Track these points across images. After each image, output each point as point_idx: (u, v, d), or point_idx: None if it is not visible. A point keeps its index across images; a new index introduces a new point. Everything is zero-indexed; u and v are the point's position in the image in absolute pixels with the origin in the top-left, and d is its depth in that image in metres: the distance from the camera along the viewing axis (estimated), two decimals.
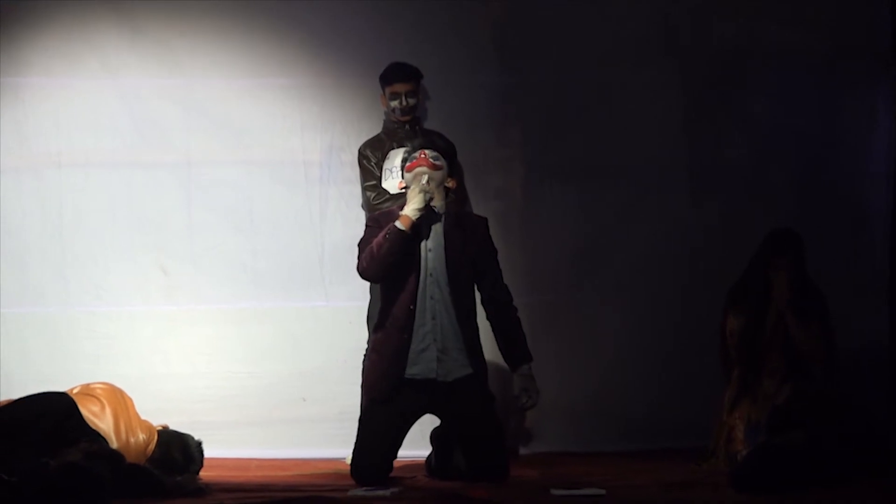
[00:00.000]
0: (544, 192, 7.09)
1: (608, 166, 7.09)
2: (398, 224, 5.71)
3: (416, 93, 6.68)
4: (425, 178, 5.79)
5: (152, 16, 6.92)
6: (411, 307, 5.75)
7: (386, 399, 5.74)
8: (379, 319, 5.90)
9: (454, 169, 6.26)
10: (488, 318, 5.94)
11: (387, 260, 5.70)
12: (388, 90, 6.67)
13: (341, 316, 6.89)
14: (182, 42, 6.95)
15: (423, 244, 5.81)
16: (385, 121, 6.76)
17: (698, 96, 7.14)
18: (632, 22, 7.12)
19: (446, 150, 5.96)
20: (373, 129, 6.85)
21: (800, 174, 7.13)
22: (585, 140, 7.09)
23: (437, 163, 5.85)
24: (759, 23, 7.14)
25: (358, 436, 5.80)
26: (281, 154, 6.99)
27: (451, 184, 5.92)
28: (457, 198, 6.63)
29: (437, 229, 5.85)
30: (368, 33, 6.99)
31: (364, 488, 5.41)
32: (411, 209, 5.74)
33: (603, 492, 5.28)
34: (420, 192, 5.76)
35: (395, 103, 6.65)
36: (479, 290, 5.92)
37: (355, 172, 6.89)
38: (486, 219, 6.01)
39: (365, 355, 6.44)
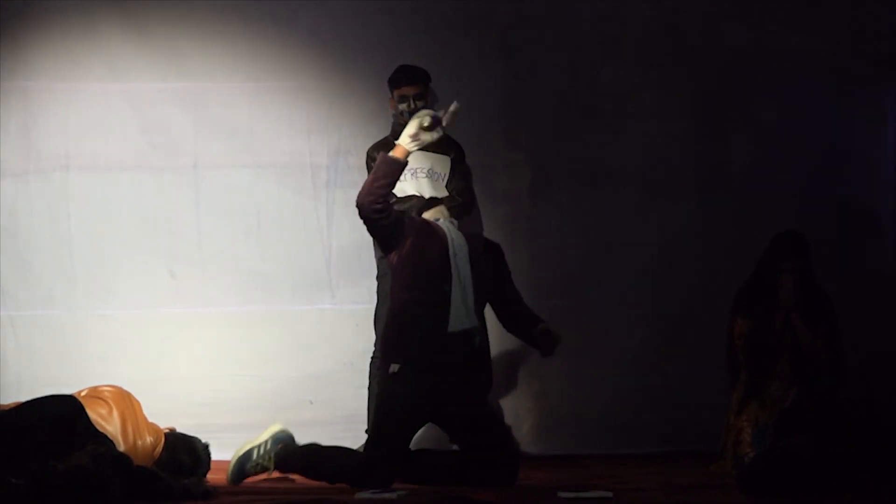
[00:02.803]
0: (552, 195, 7.10)
1: (615, 170, 7.10)
2: (392, 153, 5.63)
3: (425, 95, 6.68)
4: (425, 117, 5.67)
5: (159, 19, 6.93)
6: (447, 256, 5.67)
7: (423, 359, 5.63)
8: (404, 284, 5.74)
9: (463, 171, 6.27)
10: (509, 327, 5.90)
11: (377, 183, 5.58)
12: (396, 93, 6.67)
13: (348, 318, 6.91)
14: (189, 45, 6.96)
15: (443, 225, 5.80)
16: (393, 123, 6.76)
17: (706, 100, 7.15)
18: (639, 26, 7.12)
19: (457, 149, 5.90)
20: (380, 131, 6.85)
21: (808, 178, 7.13)
22: (592, 144, 7.10)
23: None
24: (767, 27, 7.14)
25: (377, 422, 5.72)
26: (288, 157, 7.00)
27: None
28: (465, 201, 6.64)
29: (451, 226, 5.84)
30: (375, 36, 7.00)
31: (371, 491, 5.40)
32: (404, 137, 5.62)
33: (610, 495, 5.27)
34: (414, 119, 5.65)
35: (403, 106, 6.65)
36: (497, 308, 5.87)
37: (362, 175, 6.87)
38: (499, 244, 6.00)
39: (372, 357, 6.45)
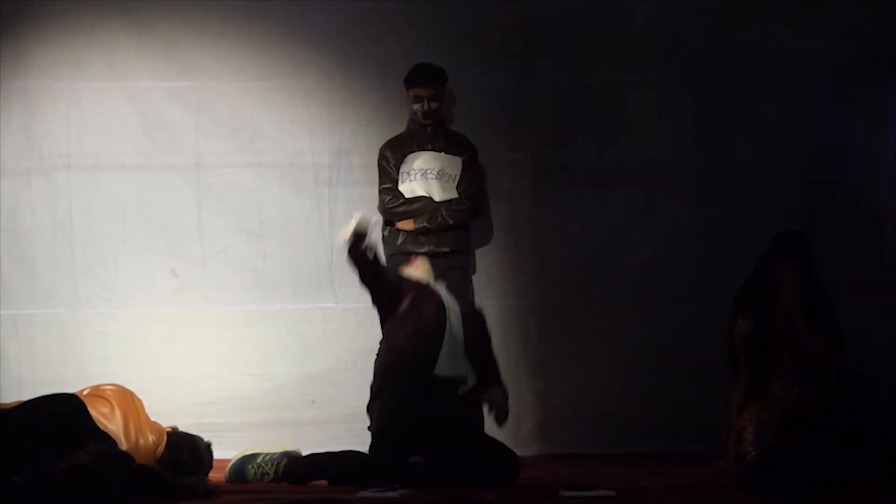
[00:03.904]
0: (553, 195, 7.10)
1: (616, 170, 7.10)
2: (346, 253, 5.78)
3: (440, 96, 6.67)
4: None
5: (161, 18, 6.93)
6: (443, 313, 5.77)
7: (414, 387, 5.72)
8: (402, 335, 5.86)
9: (475, 172, 6.37)
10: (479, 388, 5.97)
11: (360, 275, 5.81)
12: (411, 92, 6.67)
13: (350, 317, 6.91)
14: (191, 44, 6.96)
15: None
16: (409, 120, 6.77)
17: (707, 100, 7.15)
18: (641, 25, 7.12)
19: (470, 151, 6.19)
20: (382, 131, 6.87)
21: (808, 178, 7.13)
22: (594, 143, 7.10)
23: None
24: (769, 26, 7.15)
25: (380, 425, 5.76)
26: (290, 156, 7.00)
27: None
28: (473, 204, 6.65)
29: (442, 288, 5.97)
30: (377, 36, 7.00)
31: (372, 490, 5.40)
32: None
33: (612, 493, 5.27)
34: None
35: (417, 106, 6.65)
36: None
37: (364, 175, 6.91)
38: (482, 310, 6.13)
39: (377, 357, 6.48)
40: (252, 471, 5.82)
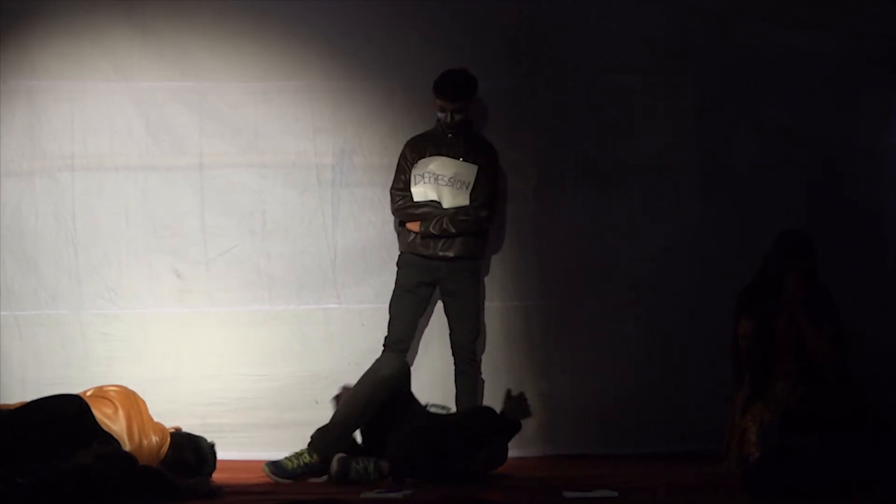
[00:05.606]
0: (556, 195, 7.09)
1: (620, 169, 7.09)
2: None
3: (464, 109, 6.67)
4: None
5: (165, 19, 6.93)
6: None
7: None
8: None
9: (488, 180, 6.44)
10: None
11: None
12: (437, 101, 6.68)
13: (353, 318, 6.91)
14: (194, 45, 6.96)
15: None
16: (436, 121, 6.76)
17: (711, 99, 7.14)
18: (644, 25, 7.11)
19: (487, 157, 6.41)
20: (385, 131, 6.88)
21: (813, 177, 7.12)
22: (597, 143, 7.09)
23: None
24: (773, 26, 7.13)
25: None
26: (293, 157, 7.00)
27: None
28: (478, 216, 6.63)
29: None
30: (381, 36, 6.99)
31: (377, 491, 5.41)
32: None
33: (615, 494, 5.28)
34: None
35: (441, 115, 6.67)
36: None
37: (367, 175, 6.91)
38: None
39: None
40: (288, 462, 5.90)
